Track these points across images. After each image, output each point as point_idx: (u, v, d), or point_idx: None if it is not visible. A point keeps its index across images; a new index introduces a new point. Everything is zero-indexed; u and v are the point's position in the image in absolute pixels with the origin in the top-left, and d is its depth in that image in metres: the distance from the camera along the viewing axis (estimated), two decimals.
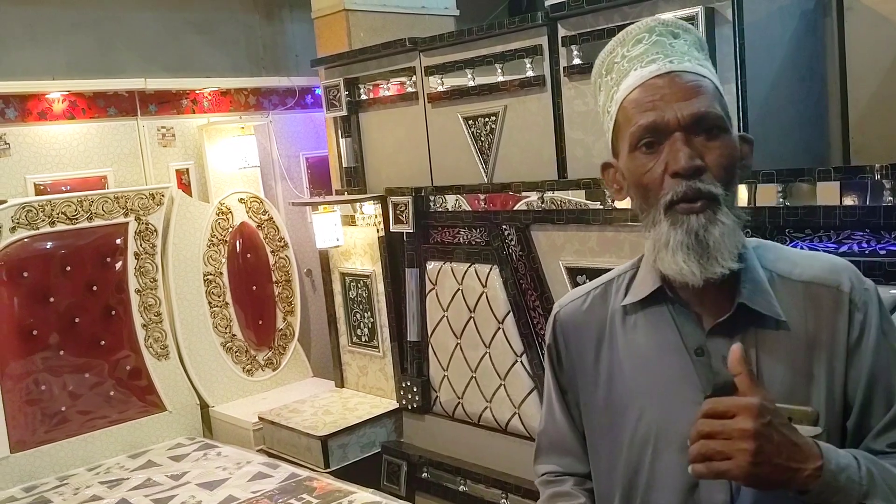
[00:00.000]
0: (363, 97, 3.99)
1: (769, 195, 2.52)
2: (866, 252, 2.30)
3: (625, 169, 1.18)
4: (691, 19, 2.61)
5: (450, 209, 3.55)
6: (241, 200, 4.64)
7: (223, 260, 4.55)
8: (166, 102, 4.44)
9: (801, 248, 2.36)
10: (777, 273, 1.18)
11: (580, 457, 1.36)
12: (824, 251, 1.27)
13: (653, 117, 1.11)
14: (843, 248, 2.35)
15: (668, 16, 2.66)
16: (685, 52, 1.17)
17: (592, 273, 2.97)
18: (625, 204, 2.89)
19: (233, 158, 4.54)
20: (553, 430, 1.39)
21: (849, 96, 3.09)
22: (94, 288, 4.05)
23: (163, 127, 4.43)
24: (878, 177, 2.29)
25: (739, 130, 2.62)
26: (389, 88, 3.89)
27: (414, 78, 3.69)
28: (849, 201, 2.37)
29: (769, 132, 2.80)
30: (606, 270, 1.35)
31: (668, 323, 1.20)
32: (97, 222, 4.03)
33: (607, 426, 1.26)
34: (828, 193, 2.42)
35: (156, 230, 4.25)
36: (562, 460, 1.39)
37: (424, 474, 3.73)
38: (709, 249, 1.09)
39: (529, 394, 3.28)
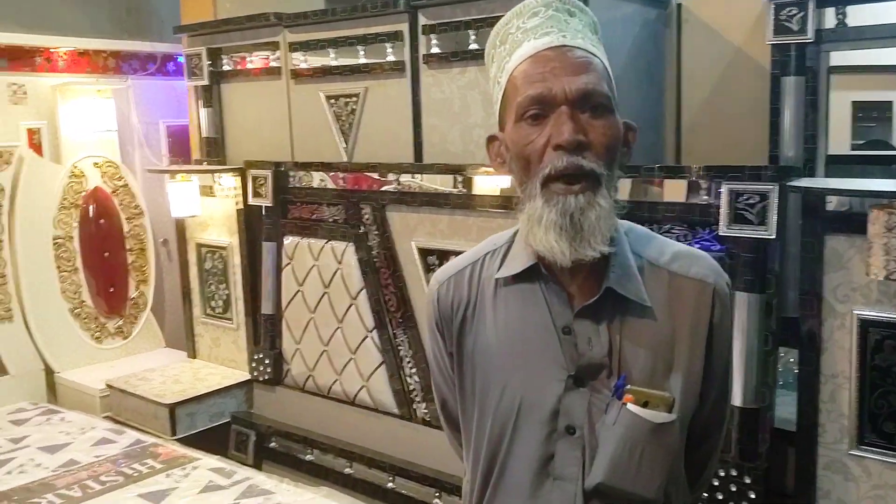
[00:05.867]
0: (226, 68, 3.97)
1: None
2: None
3: (509, 140, 1.17)
4: None
5: (308, 185, 3.60)
6: (95, 165, 4.52)
7: (74, 224, 4.42)
8: (18, 59, 4.25)
9: None
10: (647, 259, 1.20)
11: None
12: None
13: (541, 89, 1.11)
14: None
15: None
16: (579, 31, 1.17)
17: (442, 254, 3.12)
18: (484, 189, 3.03)
19: (88, 121, 4.41)
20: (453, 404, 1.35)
21: (682, 102, 3.37)
22: None
23: (13, 84, 4.24)
24: (695, 177, 2.54)
25: None
26: (253, 61, 3.88)
27: (278, 53, 3.71)
28: (671, 198, 2.61)
29: None
30: (456, 252, 1.38)
31: (539, 300, 1.19)
32: None
33: (475, 397, 1.26)
34: (654, 191, 2.65)
35: (2, 189, 4.09)
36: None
37: (273, 444, 3.79)
38: (582, 232, 1.09)
39: (378, 367, 3.41)
